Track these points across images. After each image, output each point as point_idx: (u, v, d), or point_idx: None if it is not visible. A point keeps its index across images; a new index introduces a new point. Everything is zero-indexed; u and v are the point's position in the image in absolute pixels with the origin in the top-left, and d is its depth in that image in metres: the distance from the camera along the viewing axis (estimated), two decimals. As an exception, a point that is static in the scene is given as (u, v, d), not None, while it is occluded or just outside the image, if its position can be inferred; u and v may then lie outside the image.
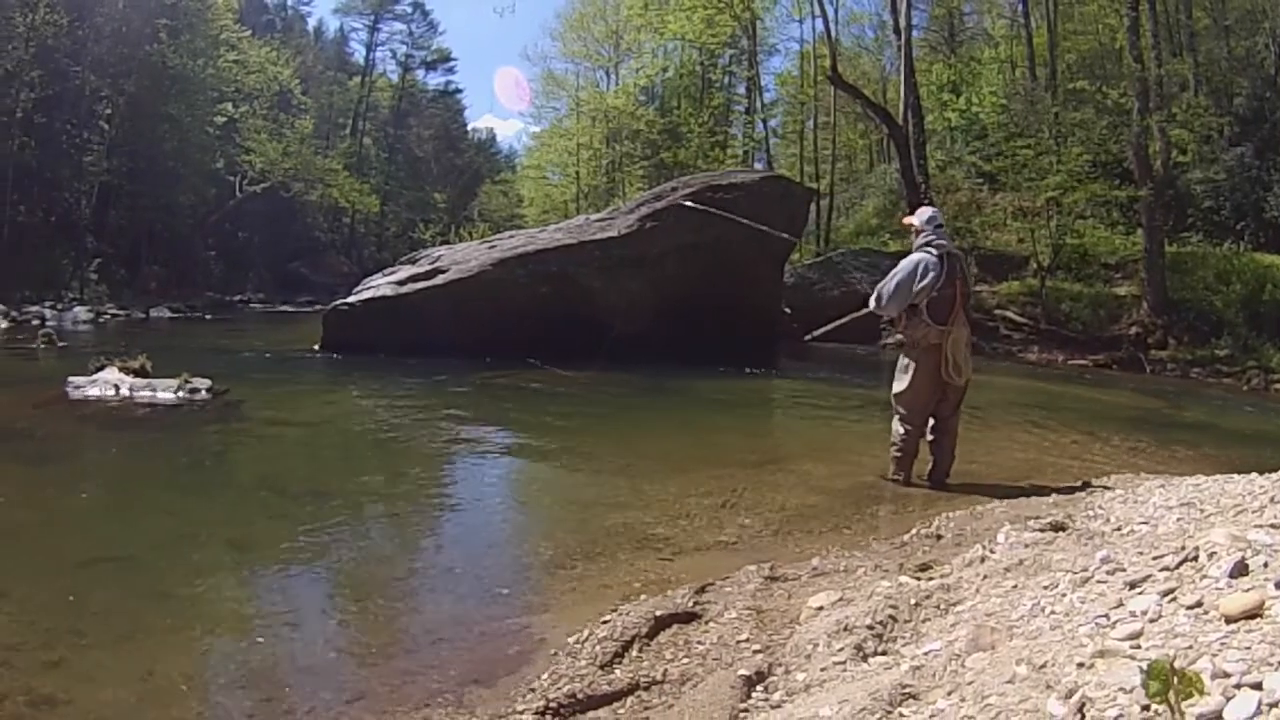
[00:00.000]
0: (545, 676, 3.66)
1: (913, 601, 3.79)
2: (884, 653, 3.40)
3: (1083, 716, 2.10)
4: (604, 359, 14.35)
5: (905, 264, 7.52)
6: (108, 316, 27.33)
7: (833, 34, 30.41)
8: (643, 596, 4.55)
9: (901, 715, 2.60)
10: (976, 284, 9.40)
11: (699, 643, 3.92)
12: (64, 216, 32.97)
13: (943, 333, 7.38)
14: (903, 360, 7.70)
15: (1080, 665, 2.37)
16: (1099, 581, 3.23)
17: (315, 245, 53.75)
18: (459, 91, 77.77)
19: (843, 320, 9.65)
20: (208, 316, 30.26)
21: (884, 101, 30.92)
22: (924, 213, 7.88)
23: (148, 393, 10.91)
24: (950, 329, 7.38)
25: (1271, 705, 1.86)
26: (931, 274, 7.32)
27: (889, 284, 7.51)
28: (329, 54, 66.17)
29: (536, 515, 7.16)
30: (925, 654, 3.09)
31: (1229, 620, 2.34)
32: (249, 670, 3.81)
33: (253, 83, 44.36)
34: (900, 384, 7.63)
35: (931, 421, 7.68)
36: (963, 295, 7.51)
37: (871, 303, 7.72)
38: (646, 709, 3.38)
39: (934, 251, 7.41)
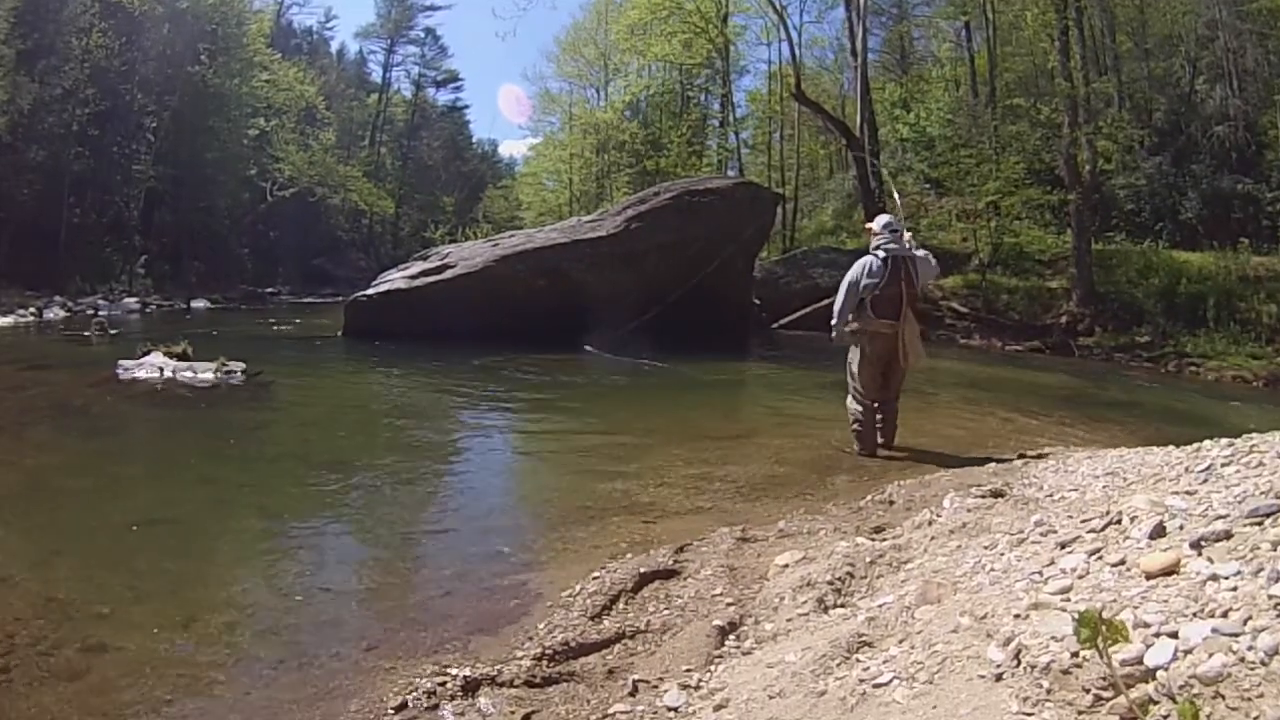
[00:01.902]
0: (542, 626, 3.67)
1: (868, 560, 3.79)
2: (842, 605, 3.40)
3: (1019, 662, 2.10)
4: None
5: (853, 269, 7.62)
6: (153, 307, 27.32)
7: (797, 56, 30.25)
8: (628, 555, 4.56)
9: (858, 660, 2.60)
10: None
11: (678, 596, 3.92)
12: (115, 218, 32.80)
13: (889, 325, 7.44)
14: (853, 348, 7.74)
15: (1017, 616, 2.37)
16: (1033, 542, 3.24)
17: (337, 243, 53.40)
18: (466, 108, 77.53)
19: (806, 310, 9.65)
20: (242, 307, 30.06)
21: (842, 116, 30.88)
22: (881, 219, 7.90)
23: (189, 374, 10.91)
24: (898, 323, 7.43)
25: (1187, 651, 1.86)
26: (874, 275, 7.43)
27: (838, 296, 7.63)
28: (350, 74, 65.72)
29: (533, 483, 7.16)
30: (879, 606, 3.09)
31: (1149, 577, 2.34)
32: (278, 620, 3.82)
33: (282, 99, 44.08)
34: (854, 367, 7.69)
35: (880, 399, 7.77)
36: (908, 294, 7.53)
37: (834, 323, 7.73)
38: (632, 655, 3.39)
39: (880, 255, 7.48)
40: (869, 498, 5.77)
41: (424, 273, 17.08)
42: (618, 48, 42.79)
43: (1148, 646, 1.92)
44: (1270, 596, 1.97)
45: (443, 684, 3.10)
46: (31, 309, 21.93)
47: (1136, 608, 2.14)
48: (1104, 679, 1.87)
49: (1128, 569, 2.49)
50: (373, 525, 5.43)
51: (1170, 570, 2.32)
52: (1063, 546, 2.98)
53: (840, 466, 7.23)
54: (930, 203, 29.07)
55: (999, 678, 2.10)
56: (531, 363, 13.56)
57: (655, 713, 2.86)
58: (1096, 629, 1.61)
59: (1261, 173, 24.03)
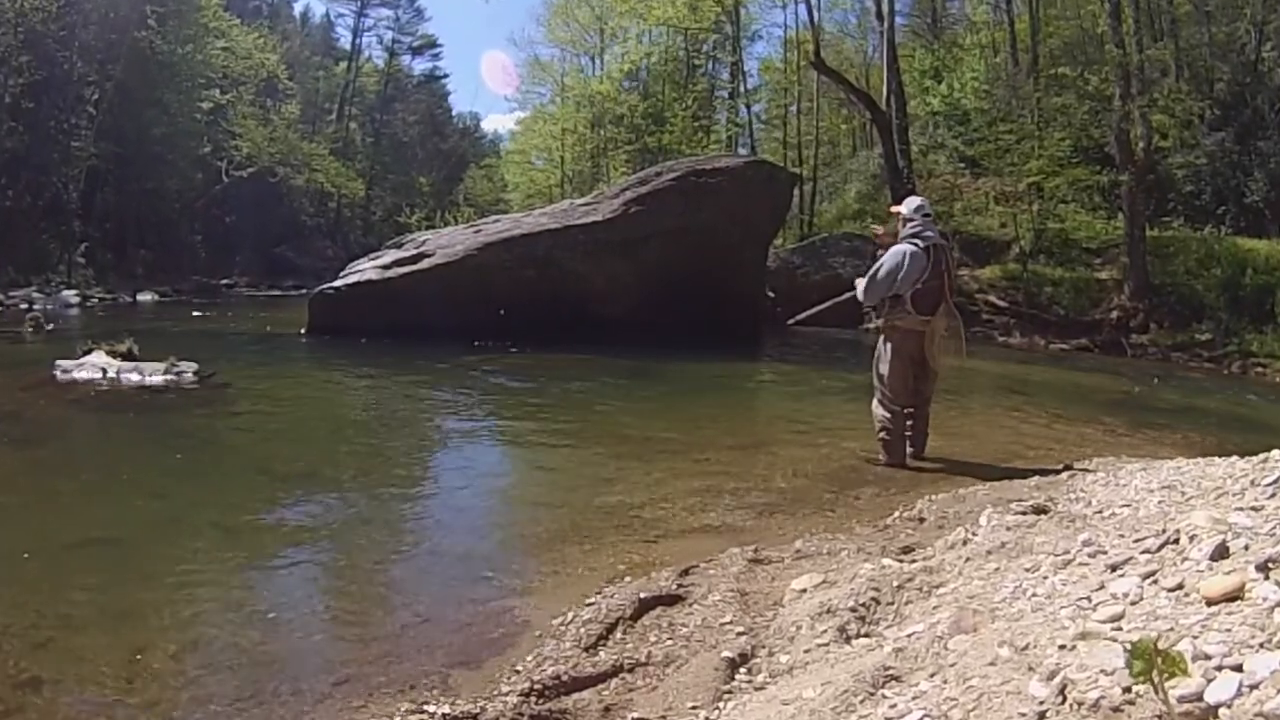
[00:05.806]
0: (530, 658, 3.66)
1: (895, 584, 3.78)
2: (867, 635, 3.40)
3: (1064, 698, 2.09)
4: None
5: (891, 255, 7.50)
6: (95, 300, 27.30)
7: (815, 20, 30.36)
8: (627, 579, 4.55)
9: (884, 697, 2.59)
10: (958, 268, 9.17)
11: (683, 625, 3.91)
12: (52, 201, 32.79)
13: (925, 322, 7.38)
14: (882, 346, 7.71)
15: (1062, 647, 2.36)
16: (1081, 564, 3.23)
17: (301, 229, 53.46)
18: (445, 77, 77.66)
19: (826, 305, 9.61)
20: (195, 301, 29.96)
21: (867, 87, 30.86)
22: (912, 202, 7.82)
23: (135, 376, 10.89)
24: (933, 319, 7.37)
25: (1252, 687, 1.85)
26: (917, 267, 7.34)
27: (876, 274, 7.52)
28: (315, 40, 65.91)
29: (521, 497, 7.14)
30: (908, 636, 3.08)
31: (1210, 603, 2.33)
32: (236, 652, 3.80)
33: (240, 69, 44.11)
34: (882, 368, 7.64)
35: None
36: (948, 287, 7.53)
37: (858, 291, 7.73)
38: (630, 691, 3.38)
39: (919, 244, 7.39)
40: (896, 514, 5.78)
41: (398, 262, 17.08)
42: (615, 10, 42.78)
43: (1209, 681, 1.91)
44: (1346, 625, 1.96)
45: (419, 723, 3.10)
46: (-42, 303, 21.96)
47: (1196, 637, 2.14)
48: (1159, 717, 1.87)
49: (1186, 594, 2.48)
50: (341, 546, 5.42)
51: (1234, 595, 2.31)
52: (1113, 569, 2.97)
53: (864, 479, 7.21)
54: (965, 184, 29.05)
55: (1042, 715, 2.10)
56: (519, 362, 13.58)
57: (657, 755, 2.86)
58: (1151, 661, 1.61)
59: (1336, 151, 23.98)
